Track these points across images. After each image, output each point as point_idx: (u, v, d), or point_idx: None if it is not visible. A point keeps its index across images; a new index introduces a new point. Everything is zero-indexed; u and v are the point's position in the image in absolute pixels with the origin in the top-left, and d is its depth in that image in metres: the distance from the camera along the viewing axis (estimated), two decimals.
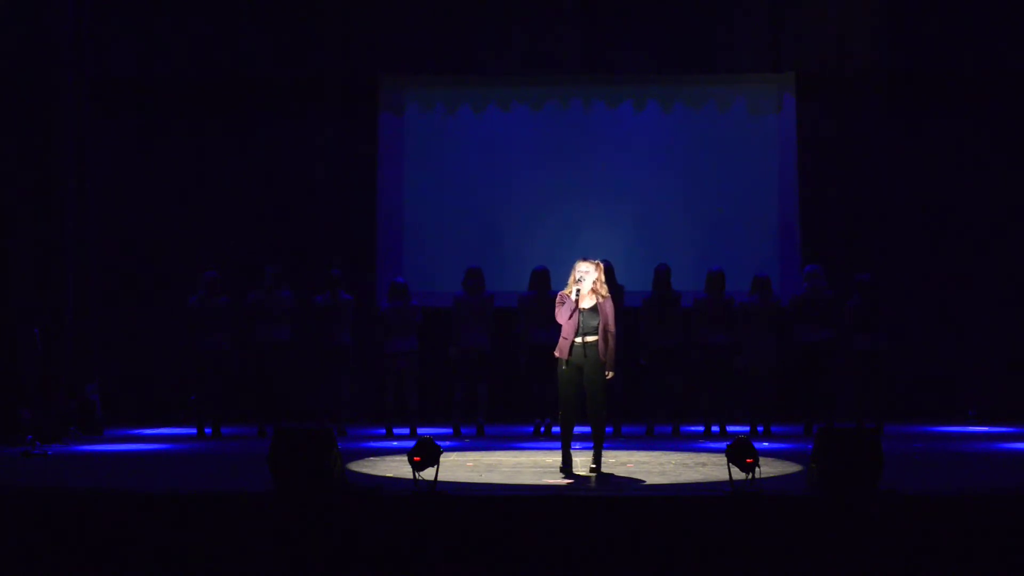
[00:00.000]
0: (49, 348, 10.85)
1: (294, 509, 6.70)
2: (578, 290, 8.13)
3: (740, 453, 6.97)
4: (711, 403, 11.59)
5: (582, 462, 8.39)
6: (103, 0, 12.33)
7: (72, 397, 11.26)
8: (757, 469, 6.94)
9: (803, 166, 13.31)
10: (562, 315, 8.18)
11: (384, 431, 11.58)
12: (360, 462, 8.95)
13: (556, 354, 8.25)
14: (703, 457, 9.32)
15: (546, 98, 13.51)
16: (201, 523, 6.68)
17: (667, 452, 9.77)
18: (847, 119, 13.33)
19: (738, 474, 6.99)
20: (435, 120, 13.58)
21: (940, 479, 8.02)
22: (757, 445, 7.22)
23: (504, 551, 6.50)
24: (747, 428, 11.50)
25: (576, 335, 8.14)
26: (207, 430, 11.43)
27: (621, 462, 8.93)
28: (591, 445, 8.40)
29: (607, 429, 8.73)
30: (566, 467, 8.16)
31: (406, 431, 11.45)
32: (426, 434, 7.60)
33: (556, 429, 9.72)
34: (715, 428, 11.44)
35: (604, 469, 8.30)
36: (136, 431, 11.90)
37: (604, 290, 8.25)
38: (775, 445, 10.28)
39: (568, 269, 8.30)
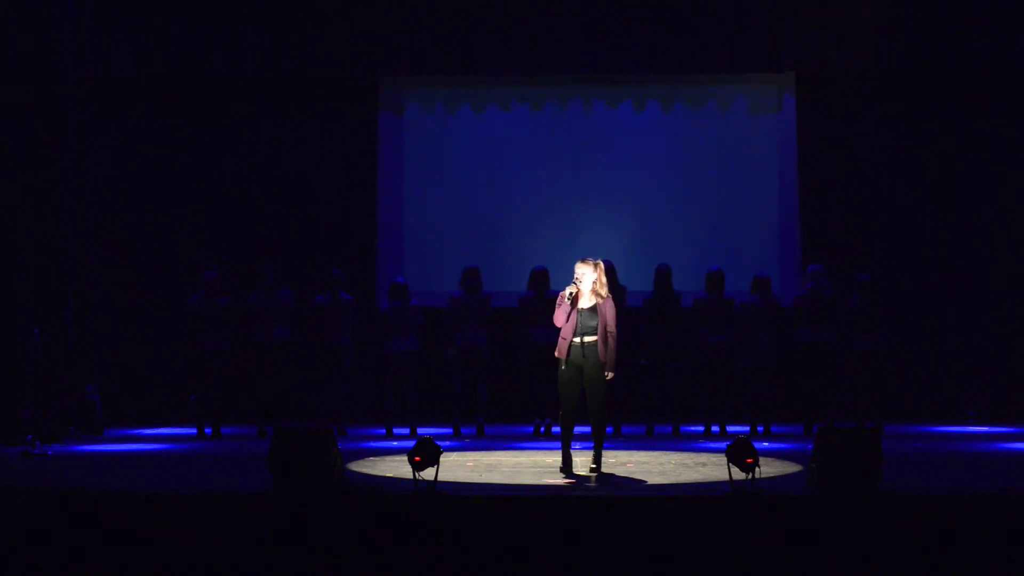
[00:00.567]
0: (49, 348, 10.86)
1: (294, 509, 6.70)
2: (571, 292, 8.12)
3: (740, 453, 6.98)
4: (711, 403, 11.59)
5: (582, 462, 8.39)
6: (103, 0, 12.34)
7: (72, 397, 11.26)
8: (757, 469, 6.94)
9: (803, 166, 13.30)
10: (559, 316, 8.19)
11: (384, 431, 11.58)
12: (360, 462, 8.96)
13: (556, 355, 8.26)
14: (703, 457, 9.32)
15: (546, 98, 13.50)
16: (201, 523, 6.68)
17: (667, 452, 9.77)
18: (847, 119, 13.32)
19: (738, 474, 6.99)
20: (435, 120, 13.58)
21: (940, 479, 8.02)
22: (757, 445, 7.22)
23: (504, 551, 6.50)
24: (747, 428, 11.51)
25: (574, 335, 8.14)
26: (207, 430, 11.44)
27: (621, 462, 8.94)
28: (591, 445, 8.40)
29: (607, 429, 8.73)
30: (566, 467, 8.16)
31: (406, 431, 11.45)
32: (426, 434, 7.60)
33: (556, 429, 9.73)
34: (715, 428, 11.45)
35: (604, 469, 8.30)
36: (136, 431, 11.91)
37: (604, 290, 8.24)
38: (775, 445, 10.28)
39: (568, 269, 8.31)
